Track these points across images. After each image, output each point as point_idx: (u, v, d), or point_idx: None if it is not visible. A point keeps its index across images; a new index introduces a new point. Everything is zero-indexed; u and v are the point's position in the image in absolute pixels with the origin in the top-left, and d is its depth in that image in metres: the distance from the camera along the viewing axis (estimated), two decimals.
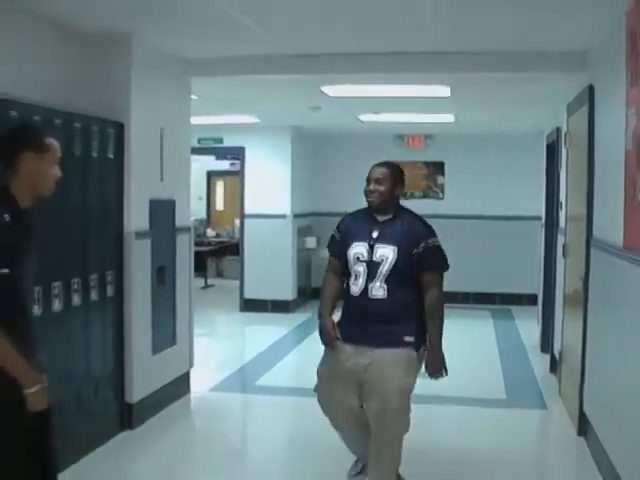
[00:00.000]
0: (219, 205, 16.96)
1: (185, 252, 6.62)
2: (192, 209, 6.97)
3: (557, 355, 7.12)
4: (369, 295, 4.04)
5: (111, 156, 5.40)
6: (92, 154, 5.15)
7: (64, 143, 4.70)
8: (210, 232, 15.75)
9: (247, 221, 11.31)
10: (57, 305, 4.70)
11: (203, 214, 16.20)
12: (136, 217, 5.67)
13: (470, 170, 11.96)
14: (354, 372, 4.09)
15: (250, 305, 11.08)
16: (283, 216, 11.11)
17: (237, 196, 12.35)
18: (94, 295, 5.17)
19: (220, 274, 15.60)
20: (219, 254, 15.24)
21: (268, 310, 11.07)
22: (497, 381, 7.45)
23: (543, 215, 9.18)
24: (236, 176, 12.98)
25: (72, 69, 5.35)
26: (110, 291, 5.41)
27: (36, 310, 4.41)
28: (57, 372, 4.64)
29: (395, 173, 4.15)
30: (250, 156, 11.21)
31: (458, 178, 12.07)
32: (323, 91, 7.53)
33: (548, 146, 8.87)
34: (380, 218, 4.12)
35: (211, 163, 15.41)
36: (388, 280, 4.02)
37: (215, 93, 7.87)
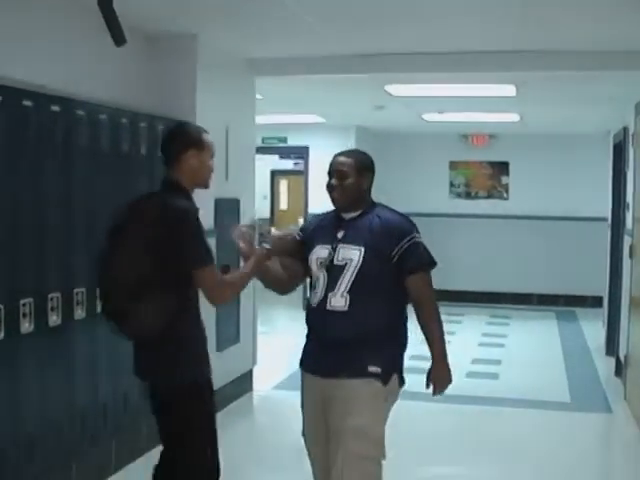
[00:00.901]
0: (283, 204, 17.02)
1: None
2: (256, 208, 6.99)
3: (622, 358, 6.95)
4: (327, 306, 3.23)
5: None
6: (158, 153, 5.16)
7: (130, 142, 4.79)
8: (274, 231, 15.77)
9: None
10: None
11: (267, 213, 16.27)
12: (201, 216, 5.66)
13: (535, 170, 11.77)
14: (319, 416, 3.35)
15: None
16: None
17: (301, 195, 12.37)
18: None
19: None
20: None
21: None
22: (561, 384, 7.32)
23: (609, 216, 8.96)
24: (300, 175, 13.00)
25: (138, 68, 5.41)
26: None
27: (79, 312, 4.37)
28: (107, 368, 4.66)
29: (361, 163, 3.39)
30: (314, 155, 11.20)
31: (523, 178, 11.89)
32: (387, 90, 7.48)
33: (615, 146, 8.65)
34: (347, 216, 3.35)
35: (275, 162, 15.48)
36: (352, 289, 3.19)
37: (279, 93, 7.89)
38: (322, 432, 3.31)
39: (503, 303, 11.81)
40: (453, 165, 12.17)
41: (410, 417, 6.16)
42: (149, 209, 3.12)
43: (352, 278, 3.20)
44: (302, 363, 3.45)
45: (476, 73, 6.31)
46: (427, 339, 3.30)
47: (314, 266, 3.32)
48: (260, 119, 7.09)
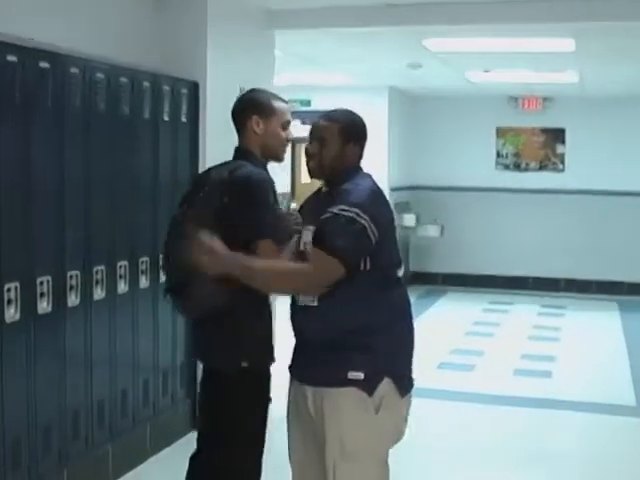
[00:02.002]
0: (305, 177, 17.00)
1: None
2: (275, 181, 6.96)
3: None
4: (298, 301, 3.12)
5: (184, 120, 5.42)
6: (163, 117, 5.18)
7: (131, 104, 4.78)
8: (295, 206, 15.80)
9: None
10: (122, 287, 4.75)
11: (287, 187, 16.25)
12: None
13: (596, 138, 11.66)
14: (298, 422, 3.27)
15: None
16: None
17: None
18: (164, 276, 5.20)
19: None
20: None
21: None
22: (625, 384, 7.26)
23: None
24: None
25: (140, 20, 5.38)
26: None
27: (99, 292, 4.48)
28: (121, 361, 4.72)
29: (348, 129, 3.19)
30: None
31: (581, 147, 11.78)
32: (425, 45, 7.42)
33: None
34: (324, 189, 3.23)
35: (297, 129, 15.39)
36: None
37: (302, 49, 7.85)
38: (300, 440, 3.25)
39: (557, 291, 11.75)
40: (501, 132, 12.09)
41: (449, 420, 6.14)
42: (216, 177, 3.29)
43: None
44: (290, 363, 3.34)
45: (528, 24, 6.22)
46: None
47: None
48: (280, 79, 7.05)
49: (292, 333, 3.23)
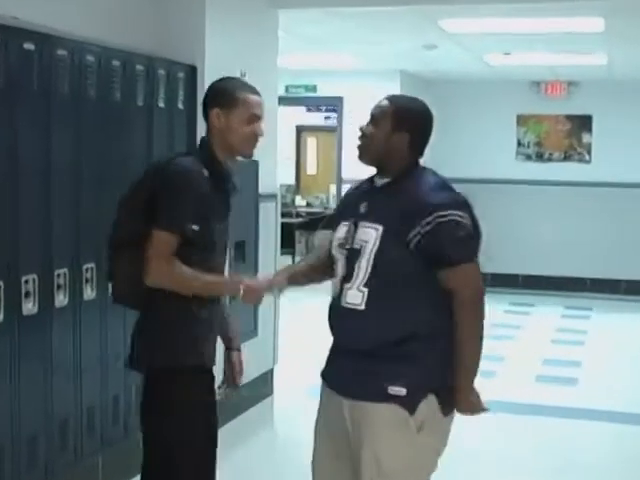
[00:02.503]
0: (311, 168, 16.98)
1: (270, 224, 6.62)
2: (278, 173, 6.95)
3: None
4: (343, 302, 3.10)
5: (181, 106, 5.40)
6: (157, 103, 5.16)
7: (123, 89, 4.76)
8: (299, 201, 15.78)
9: (345, 187, 11.26)
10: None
11: (291, 179, 16.26)
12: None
13: (625, 126, 11.63)
14: (330, 435, 3.20)
15: None
16: None
17: (333, 157, 12.29)
18: None
19: (311, 251, 15.61)
20: (310, 227, 15.26)
21: None
22: None
23: None
24: (332, 132, 12.90)
25: (133, 0, 5.36)
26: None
27: (89, 292, 4.48)
28: (113, 365, 4.71)
29: (403, 112, 3.14)
30: (349, 108, 11.16)
31: (609, 136, 11.77)
32: (440, 26, 7.41)
33: None
34: (378, 182, 3.19)
35: (301, 116, 15.40)
36: (370, 281, 3.01)
37: (307, 29, 7.84)
38: (327, 453, 3.20)
39: (583, 291, 11.74)
40: (522, 120, 12.06)
41: (465, 430, 6.12)
42: (156, 165, 3.36)
43: (369, 267, 3.01)
44: (324, 369, 3.30)
45: (553, 3, 6.21)
46: (455, 361, 3.01)
47: (334, 248, 3.21)
48: (283, 62, 7.03)
49: (332, 335, 3.23)
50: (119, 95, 4.76)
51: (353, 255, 3.06)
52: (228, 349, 3.64)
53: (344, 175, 11.23)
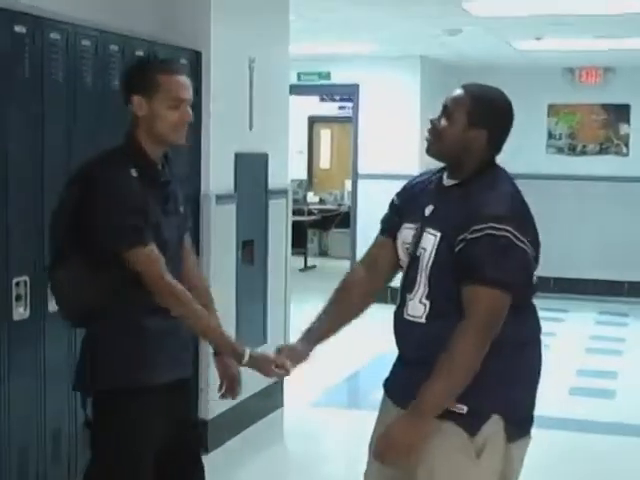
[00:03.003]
0: (324, 162, 16.99)
1: (280, 222, 6.61)
2: (289, 167, 6.94)
3: None
4: (404, 314, 3.06)
5: None
6: None
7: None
8: (312, 197, 15.78)
9: (361, 183, 11.28)
10: None
11: (303, 174, 16.26)
12: (217, 176, 5.69)
13: None
14: None
15: None
16: (409, 177, 10.95)
17: (348, 150, 12.27)
18: None
19: (324, 252, 15.64)
20: (323, 226, 15.26)
21: (387, 301, 10.91)
22: None
23: None
24: (347, 123, 12.88)
25: None
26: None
27: None
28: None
29: (479, 105, 3.00)
30: (366, 96, 11.15)
31: None
32: (465, 8, 7.39)
33: None
34: (447, 182, 3.09)
35: (314, 106, 15.40)
36: (431, 293, 2.96)
37: (320, 12, 7.83)
38: (382, 472, 3.10)
39: (619, 295, 11.68)
40: (553, 110, 12.03)
41: None
42: (77, 174, 3.26)
43: (428, 277, 2.97)
44: (386, 378, 3.31)
45: None
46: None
47: (401, 252, 3.14)
48: (295, 48, 7.02)
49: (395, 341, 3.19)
50: (117, 82, 4.75)
51: (415, 263, 3.02)
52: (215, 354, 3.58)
53: (360, 170, 11.20)
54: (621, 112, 11.92)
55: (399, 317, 3.09)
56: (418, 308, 2.99)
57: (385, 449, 2.96)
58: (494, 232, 2.81)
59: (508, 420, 2.93)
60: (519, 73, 11.64)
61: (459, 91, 3.04)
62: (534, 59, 10.85)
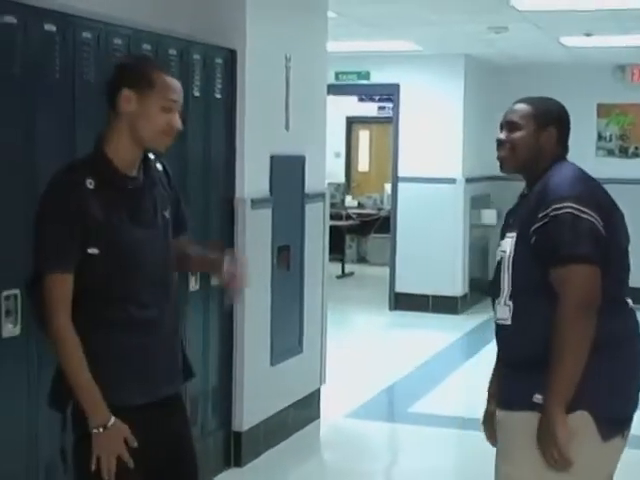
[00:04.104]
0: (363, 165, 16.98)
1: (317, 227, 6.61)
2: (327, 170, 6.94)
3: None
4: (495, 318, 3.30)
5: (219, 95, 5.42)
6: (193, 92, 5.18)
7: None
8: (350, 201, 15.77)
9: (401, 187, 11.25)
10: None
11: (341, 177, 16.26)
12: (252, 179, 5.70)
13: None
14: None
15: (403, 302, 11.03)
16: (452, 180, 10.99)
17: (388, 152, 12.25)
18: (193, 283, 5.22)
19: (363, 258, 15.63)
20: (362, 231, 15.25)
21: (428, 309, 11.00)
22: None
23: None
24: (387, 124, 12.88)
25: None
26: (214, 279, 5.44)
27: None
28: None
29: (543, 111, 3.29)
30: (406, 97, 11.12)
31: None
32: (511, 4, 7.36)
33: None
34: (525, 191, 3.33)
35: (353, 107, 15.40)
36: (514, 294, 3.16)
37: (360, 9, 7.83)
38: None
39: None
40: (603, 110, 11.95)
41: None
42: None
43: (509, 278, 3.17)
44: None
45: None
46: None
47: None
48: (333, 46, 7.02)
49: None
50: None
51: (498, 268, 3.25)
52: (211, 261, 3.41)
53: (401, 173, 11.17)
54: None
55: (495, 323, 3.29)
56: (504, 310, 3.20)
57: (544, 453, 3.03)
58: (557, 212, 3.02)
59: (598, 418, 3.03)
60: (567, 72, 11.59)
61: (519, 105, 3.33)
62: (583, 56, 10.80)
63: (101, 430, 2.95)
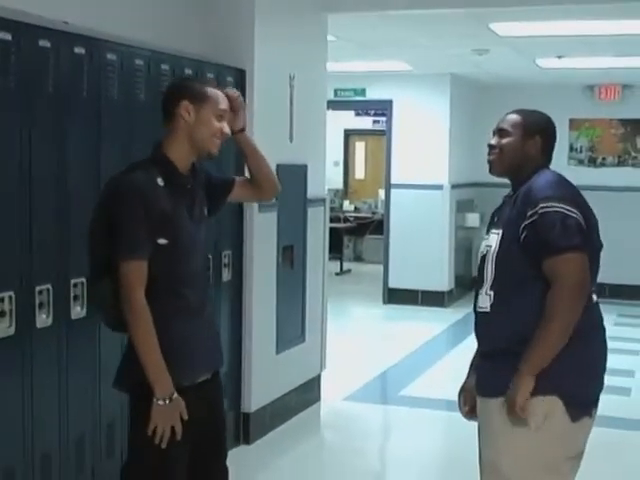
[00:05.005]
0: (359, 173, 16.95)
1: (318, 229, 6.61)
2: (327, 177, 6.94)
3: None
4: (476, 307, 3.30)
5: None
6: None
7: None
8: (348, 206, 15.76)
9: (394, 192, 11.23)
10: None
11: (339, 183, 16.24)
12: None
13: None
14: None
15: (395, 296, 11.02)
16: (439, 187, 10.98)
17: (382, 161, 12.25)
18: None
19: (359, 257, 15.60)
20: (358, 233, 15.23)
21: (418, 303, 10.98)
22: None
23: None
24: (381, 136, 12.88)
25: (182, 2, 5.39)
26: (226, 275, 5.45)
27: None
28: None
29: (531, 121, 3.31)
30: (399, 111, 11.11)
31: None
32: (492, 29, 7.35)
33: None
34: (511, 192, 3.35)
35: (350, 120, 15.38)
36: (495, 284, 3.18)
37: (356, 33, 7.82)
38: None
39: (637, 299, 11.55)
40: (574, 124, 11.93)
41: None
42: (106, 186, 3.22)
43: (492, 270, 3.20)
44: None
45: (608, 4, 6.12)
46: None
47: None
48: (332, 66, 7.01)
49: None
50: None
51: (483, 261, 3.26)
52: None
53: (393, 180, 11.17)
54: (638, 127, 11.79)
55: (474, 312, 3.30)
56: (484, 299, 3.21)
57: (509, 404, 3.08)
58: (546, 210, 3.04)
59: (567, 400, 3.07)
60: (542, 90, 11.55)
61: (511, 115, 3.35)
62: (556, 76, 10.77)
63: (167, 402, 3.02)
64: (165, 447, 3.04)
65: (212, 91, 3.24)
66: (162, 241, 3.07)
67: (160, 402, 3.02)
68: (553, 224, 3.03)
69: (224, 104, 3.25)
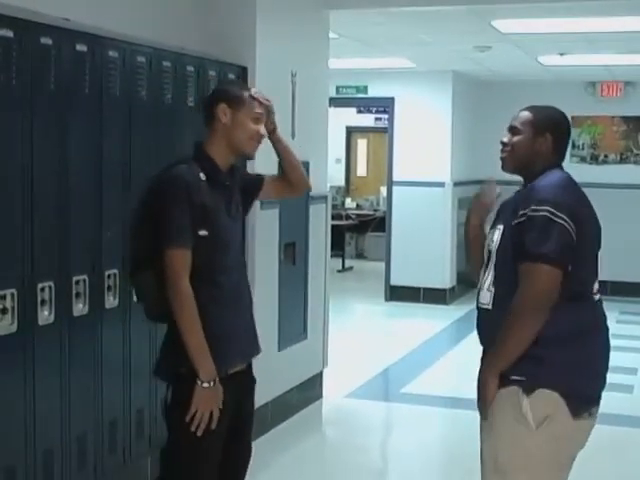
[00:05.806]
0: (361, 170, 16.96)
1: (320, 226, 6.61)
2: (329, 174, 6.94)
3: None
4: (478, 303, 3.28)
5: None
6: None
7: (174, 91, 4.78)
8: (349, 203, 15.76)
9: (396, 190, 11.23)
10: None
11: (341, 181, 16.24)
12: None
13: None
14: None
15: (397, 293, 11.04)
16: (441, 184, 10.98)
17: (383, 159, 12.25)
18: None
19: (361, 254, 15.61)
20: (360, 230, 15.24)
21: (420, 300, 11.00)
22: None
23: None
24: (383, 134, 12.87)
25: (184, 0, 5.40)
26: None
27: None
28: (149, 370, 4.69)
29: (542, 119, 3.27)
30: (400, 109, 11.12)
31: None
32: (494, 26, 7.36)
33: None
34: (521, 188, 3.34)
35: (352, 117, 15.38)
36: (496, 280, 3.17)
37: (358, 30, 7.82)
38: None
39: (637, 296, 11.55)
40: (576, 121, 11.90)
41: None
42: (151, 181, 3.35)
43: (494, 266, 3.19)
44: None
45: (609, 1, 6.12)
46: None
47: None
48: (334, 63, 7.02)
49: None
50: (170, 96, 4.78)
51: (488, 256, 3.26)
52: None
53: (395, 177, 11.18)
54: None
55: (477, 307, 3.27)
56: (486, 296, 3.20)
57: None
58: (534, 213, 3.02)
59: (567, 398, 3.06)
60: (544, 87, 11.55)
61: (524, 112, 3.34)
62: (558, 73, 10.78)
63: (211, 384, 3.13)
64: (201, 434, 3.15)
65: (251, 95, 3.39)
66: (203, 232, 3.18)
67: (205, 384, 3.12)
68: (533, 227, 3.01)
69: (260, 107, 3.40)
